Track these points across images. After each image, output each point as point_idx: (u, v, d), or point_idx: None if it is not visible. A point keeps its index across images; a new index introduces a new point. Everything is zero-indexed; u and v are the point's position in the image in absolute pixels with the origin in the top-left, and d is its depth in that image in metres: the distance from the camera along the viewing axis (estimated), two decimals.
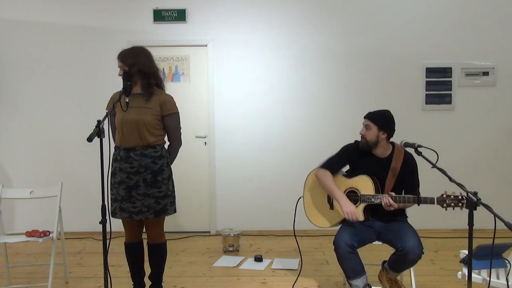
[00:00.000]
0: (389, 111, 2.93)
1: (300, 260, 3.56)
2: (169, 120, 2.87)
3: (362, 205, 2.82)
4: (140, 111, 2.77)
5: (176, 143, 2.96)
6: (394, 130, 2.88)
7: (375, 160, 2.87)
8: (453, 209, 2.56)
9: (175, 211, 2.95)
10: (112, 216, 2.85)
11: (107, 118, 2.46)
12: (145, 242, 3.01)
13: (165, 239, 2.99)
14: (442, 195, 2.57)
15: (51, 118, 4.99)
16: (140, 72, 2.78)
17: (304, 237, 4.68)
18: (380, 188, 2.83)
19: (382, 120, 2.84)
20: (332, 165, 2.92)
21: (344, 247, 2.63)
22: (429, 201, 2.61)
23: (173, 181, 2.95)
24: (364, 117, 2.92)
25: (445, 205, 2.55)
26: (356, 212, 2.71)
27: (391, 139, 2.94)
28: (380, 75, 4.92)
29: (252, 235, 4.85)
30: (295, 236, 3.17)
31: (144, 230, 2.99)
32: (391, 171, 2.81)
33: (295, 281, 3.36)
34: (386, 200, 2.68)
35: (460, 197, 2.53)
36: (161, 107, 2.83)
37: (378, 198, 2.77)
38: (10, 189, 3.49)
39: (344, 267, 2.69)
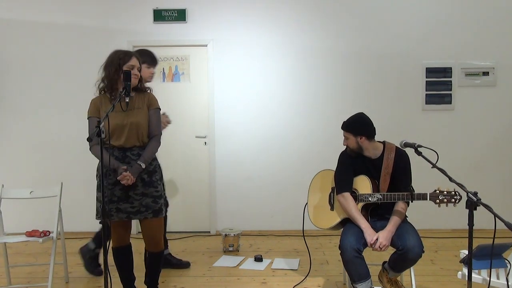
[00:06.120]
0: (361, 113, 2.93)
1: (310, 260, 3.60)
2: (153, 114, 2.83)
3: (361, 204, 2.83)
4: (138, 112, 2.78)
5: (158, 139, 2.86)
6: (373, 129, 2.87)
7: (368, 161, 2.89)
8: (446, 205, 2.58)
9: (165, 213, 2.96)
10: (106, 218, 2.68)
11: (98, 121, 2.43)
12: (135, 246, 2.99)
13: (163, 245, 2.98)
14: (435, 191, 2.60)
15: (51, 118, 4.99)
16: (139, 73, 2.83)
17: (305, 237, 4.67)
18: (377, 188, 2.84)
19: (354, 127, 2.86)
20: (344, 183, 2.89)
21: (351, 252, 2.63)
22: (422, 197, 2.63)
23: (163, 183, 2.93)
24: (341, 128, 2.95)
25: (437, 201, 2.57)
26: (383, 241, 2.65)
27: (384, 138, 2.97)
28: (380, 75, 4.92)
29: (252, 235, 4.85)
30: (303, 236, 3.19)
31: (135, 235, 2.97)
32: (383, 171, 2.81)
33: (304, 279, 3.40)
34: (378, 244, 2.66)
35: (453, 192, 2.56)
36: (148, 106, 2.84)
37: (374, 196, 2.78)
38: (10, 189, 3.48)
39: (349, 271, 2.69)
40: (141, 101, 2.83)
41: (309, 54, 4.93)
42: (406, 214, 2.97)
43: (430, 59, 4.89)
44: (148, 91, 2.91)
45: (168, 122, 3.66)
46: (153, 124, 2.85)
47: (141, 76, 2.89)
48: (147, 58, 3.56)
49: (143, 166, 2.74)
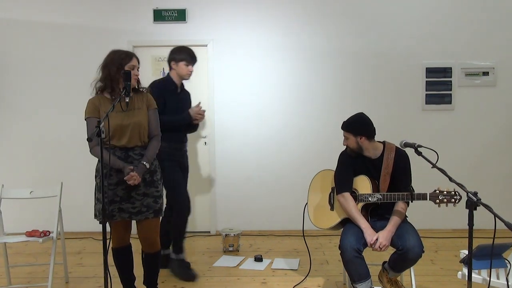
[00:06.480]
0: (361, 113, 2.94)
1: (310, 260, 3.60)
2: (152, 115, 2.86)
3: (361, 204, 2.83)
4: (138, 112, 2.79)
5: (158, 139, 2.89)
6: (373, 129, 2.88)
7: (368, 161, 2.89)
8: (446, 205, 2.58)
9: (164, 213, 2.97)
10: (108, 218, 2.68)
11: (98, 121, 2.41)
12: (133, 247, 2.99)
13: (159, 245, 2.96)
14: (435, 191, 2.60)
15: (51, 118, 4.99)
16: (138, 73, 2.85)
17: (304, 237, 4.67)
18: (377, 188, 2.84)
19: (354, 127, 2.87)
20: (344, 183, 2.89)
21: (351, 252, 2.64)
22: (422, 197, 2.64)
23: (162, 183, 2.94)
24: (341, 129, 2.95)
25: (437, 201, 2.58)
26: (383, 241, 2.66)
27: (384, 138, 2.97)
28: (380, 75, 4.92)
29: (252, 235, 4.85)
30: (303, 236, 3.19)
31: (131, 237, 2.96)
32: (383, 171, 2.82)
33: (304, 279, 3.40)
34: (378, 244, 2.67)
35: (453, 192, 2.56)
36: (147, 106, 2.85)
37: (374, 196, 2.78)
38: (10, 189, 3.48)
39: (349, 271, 2.70)
40: (140, 102, 2.84)
41: (309, 54, 4.93)
42: (406, 214, 2.97)
43: (430, 59, 4.89)
44: (144, 91, 2.90)
45: (204, 110, 3.68)
46: (153, 124, 2.86)
47: (138, 78, 2.89)
48: (186, 56, 3.60)
49: (147, 166, 2.75)
